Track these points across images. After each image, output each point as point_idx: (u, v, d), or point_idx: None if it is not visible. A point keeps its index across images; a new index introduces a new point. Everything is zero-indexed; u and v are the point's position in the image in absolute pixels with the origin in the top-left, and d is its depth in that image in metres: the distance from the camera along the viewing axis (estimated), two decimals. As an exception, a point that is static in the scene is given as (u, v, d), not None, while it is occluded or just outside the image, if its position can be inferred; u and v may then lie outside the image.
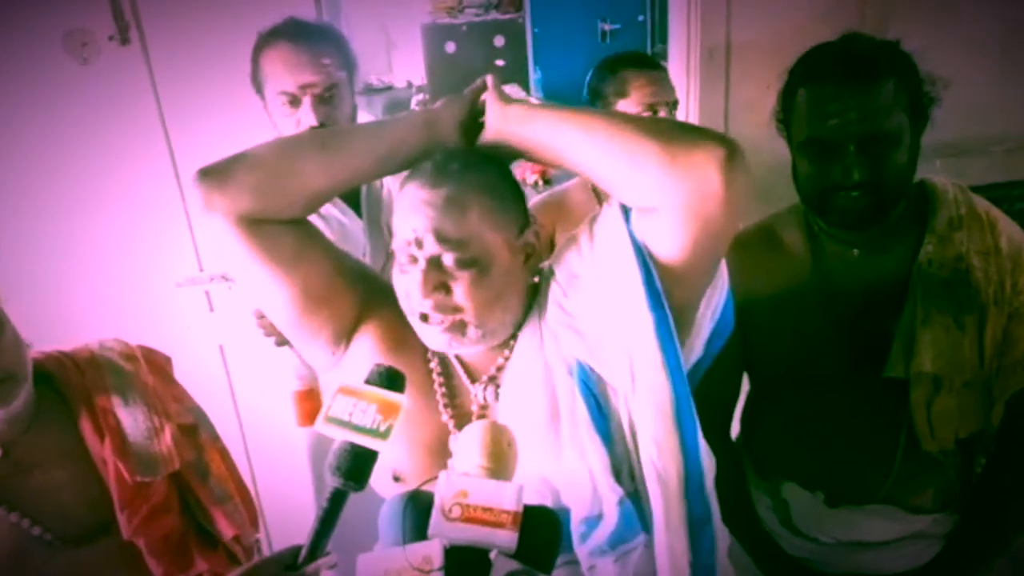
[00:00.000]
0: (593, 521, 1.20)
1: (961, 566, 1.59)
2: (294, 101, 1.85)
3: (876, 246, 1.49)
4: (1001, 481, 1.56)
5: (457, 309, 1.17)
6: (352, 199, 1.99)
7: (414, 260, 1.17)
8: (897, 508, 1.56)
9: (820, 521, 1.60)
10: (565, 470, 1.19)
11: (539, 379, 1.22)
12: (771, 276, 1.54)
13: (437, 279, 1.15)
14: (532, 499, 0.96)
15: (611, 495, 1.18)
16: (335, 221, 1.96)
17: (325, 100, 1.87)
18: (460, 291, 1.16)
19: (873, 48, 1.40)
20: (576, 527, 1.20)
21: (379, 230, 2.01)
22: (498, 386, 1.27)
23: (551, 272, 1.26)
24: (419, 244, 1.15)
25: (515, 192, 1.24)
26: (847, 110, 1.35)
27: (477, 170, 1.19)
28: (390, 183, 2.02)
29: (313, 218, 1.86)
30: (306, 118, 1.85)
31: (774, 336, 1.45)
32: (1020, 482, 1.55)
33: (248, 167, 1.20)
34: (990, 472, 1.57)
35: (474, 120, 1.25)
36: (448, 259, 1.15)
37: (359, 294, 1.31)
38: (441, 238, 1.14)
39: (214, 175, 1.20)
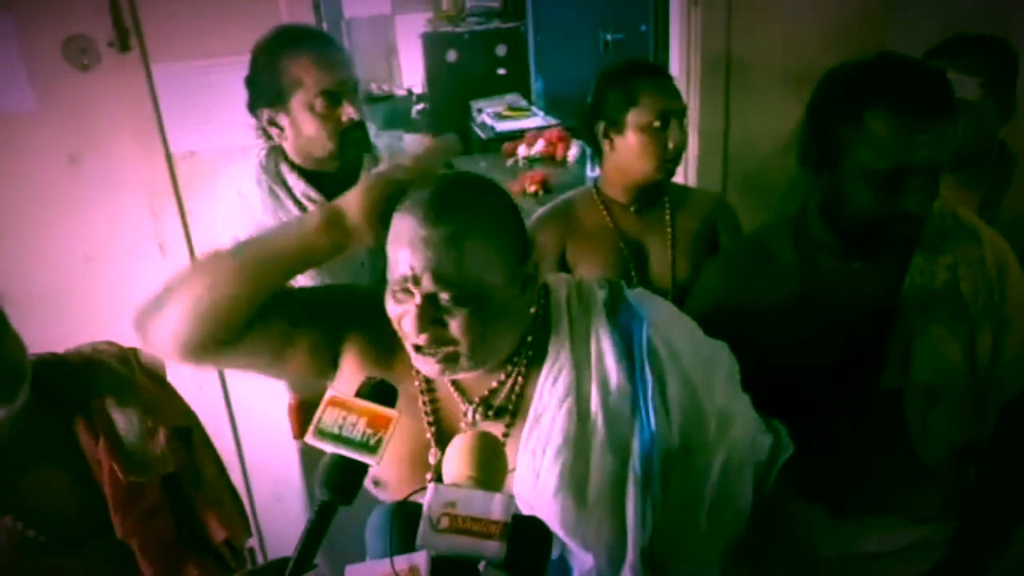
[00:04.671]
0: None
1: (962, 572, 1.61)
2: (335, 99, 1.85)
3: (873, 260, 1.49)
4: (994, 487, 1.57)
5: (452, 342, 1.16)
6: None
7: (409, 293, 1.15)
8: (898, 518, 1.58)
9: (823, 534, 1.61)
10: (580, 528, 1.18)
11: (571, 421, 1.21)
12: (762, 289, 1.54)
13: (432, 315, 1.14)
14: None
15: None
16: None
17: (358, 96, 1.90)
18: (455, 326, 1.15)
19: (943, 74, 1.38)
20: None
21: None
22: (489, 408, 1.27)
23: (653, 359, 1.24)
24: (416, 281, 1.13)
25: (515, 222, 1.22)
26: (936, 140, 1.33)
27: (477, 204, 1.17)
28: None
29: None
30: (349, 112, 1.86)
31: (769, 351, 1.45)
32: (1012, 487, 1.57)
33: (175, 305, 1.22)
34: (983, 479, 1.59)
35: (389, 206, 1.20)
36: (444, 296, 1.13)
37: (327, 327, 1.31)
38: (438, 278, 1.12)
39: (146, 323, 1.25)
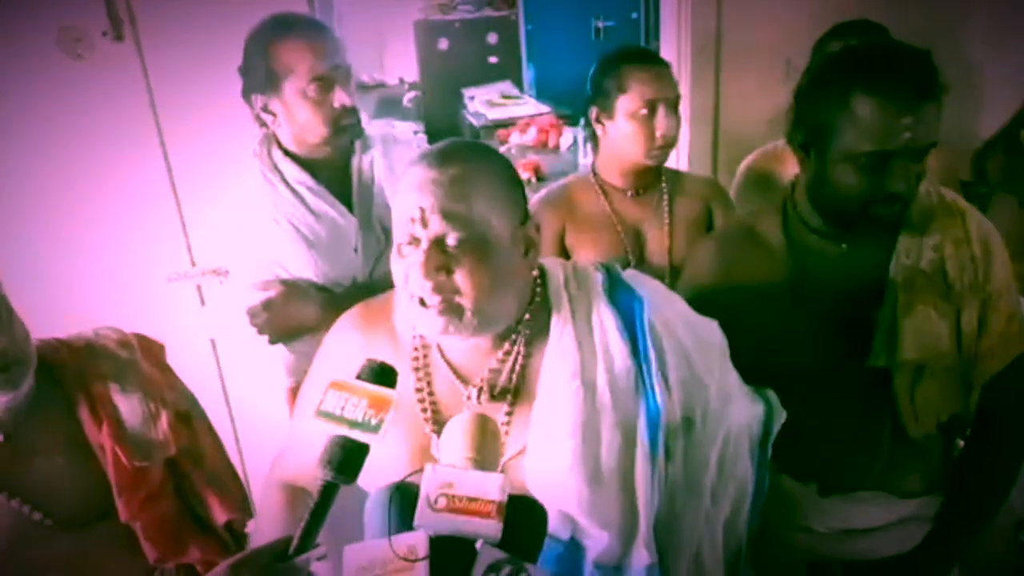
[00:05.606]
0: (610, 571, 1.22)
1: (947, 546, 1.64)
2: (327, 85, 1.85)
3: (861, 240, 1.52)
4: (979, 462, 1.61)
5: (456, 292, 1.16)
6: (344, 195, 2.00)
7: (415, 241, 1.16)
8: (886, 494, 1.61)
9: (814, 511, 1.64)
10: (595, 505, 1.19)
11: (579, 401, 1.22)
12: (753, 272, 1.57)
13: (439, 260, 1.15)
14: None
15: (643, 555, 1.21)
16: (327, 219, 1.96)
17: (351, 81, 1.90)
18: (461, 274, 1.15)
19: (929, 57, 1.40)
20: (589, 570, 1.22)
21: (371, 226, 2.02)
22: (492, 388, 1.27)
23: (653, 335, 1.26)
24: (424, 223, 1.15)
25: (518, 184, 1.26)
26: (919, 124, 1.35)
27: (484, 157, 1.22)
28: (381, 178, 2.03)
29: (305, 215, 1.93)
30: (341, 98, 1.85)
31: (758, 331, 1.47)
32: (997, 462, 1.61)
33: None
34: (969, 454, 1.63)
35: None
36: (452, 239, 1.15)
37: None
38: (447, 216, 1.14)
39: None
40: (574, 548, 1.22)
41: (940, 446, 1.62)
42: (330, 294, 1.95)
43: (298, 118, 1.88)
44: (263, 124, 1.95)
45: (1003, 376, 1.53)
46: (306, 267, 1.96)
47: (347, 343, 1.36)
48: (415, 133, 2.33)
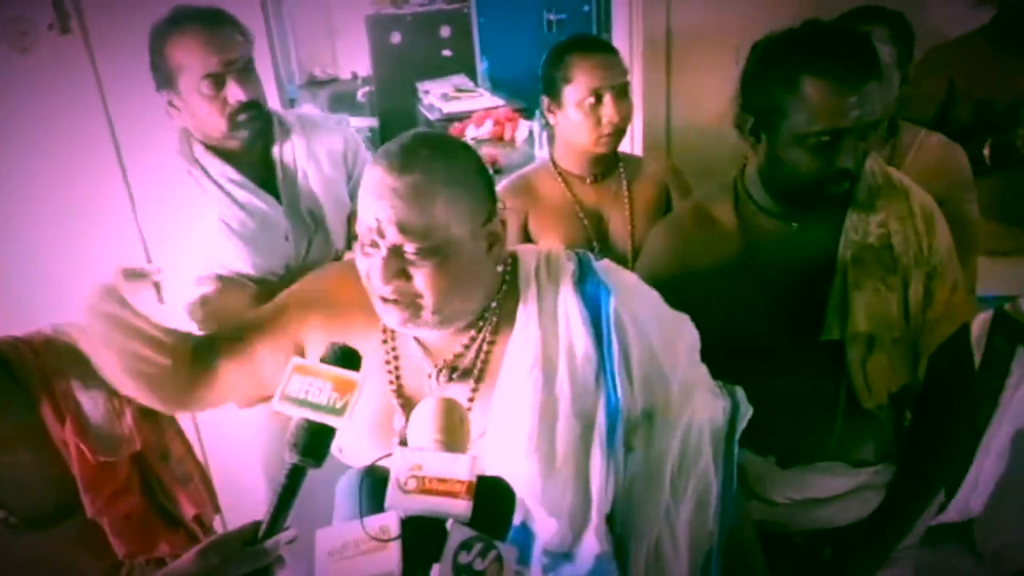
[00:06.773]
0: (559, 558, 1.23)
1: (901, 511, 1.69)
2: (219, 82, 1.84)
3: (810, 220, 1.55)
4: (928, 430, 1.67)
5: (416, 295, 1.17)
6: (269, 184, 2.00)
7: (375, 245, 1.16)
8: (842, 463, 1.66)
9: (774, 483, 1.68)
10: (547, 492, 1.21)
11: (538, 389, 1.23)
12: (706, 252, 1.60)
13: (397, 267, 1.15)
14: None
15: (593, 543, 1.22)
16: (255, 210, 1.96)
17: (249, 75, 1.89)
18: (420, 279, 1.16)
19: (868, 38, 1.44)
20: (537, 555, 1.23)
21: (298, 213, 2.02)
22: (455, 370, 1.28)
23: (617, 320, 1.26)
24: (381, 233, 1.14)
25: (483, 179, 1.24)
26: (865, 102, 1.38)
27: (446, 157, 1.18)
28: (304, 164, 2.03)
29: (233, 209, 1.93)
30: (235, 94, 1.85)
31: (714, 311, 1.49)
32: (945, 428, 1.66)
33: None
34: (918, 422, 1.68)
35: None
36: (409, 248, 1.14)
37: (279, 337, 1.35)
38: (404, 228, 1.13)
39: None
40: (524, 533, 1.24)
41: (892, 416, 1.67)
42: (265, 284, 1.95)
43: (198, 113, 1.88)
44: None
45: (947, 346, 1.59)
46: (239, 260, 1.97)
47: (342, 281, 1.36)
48: (370, 130, 2.32)
